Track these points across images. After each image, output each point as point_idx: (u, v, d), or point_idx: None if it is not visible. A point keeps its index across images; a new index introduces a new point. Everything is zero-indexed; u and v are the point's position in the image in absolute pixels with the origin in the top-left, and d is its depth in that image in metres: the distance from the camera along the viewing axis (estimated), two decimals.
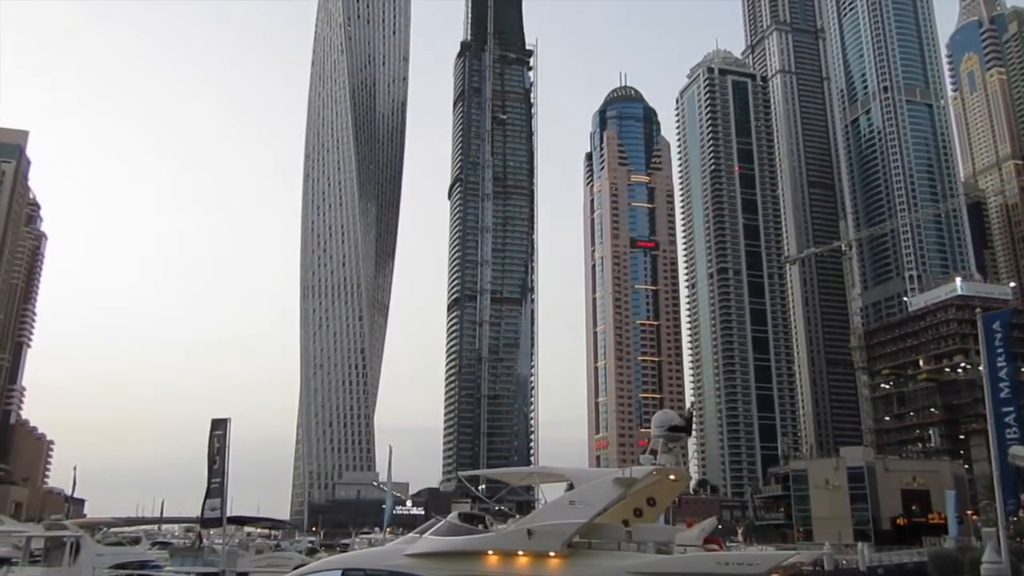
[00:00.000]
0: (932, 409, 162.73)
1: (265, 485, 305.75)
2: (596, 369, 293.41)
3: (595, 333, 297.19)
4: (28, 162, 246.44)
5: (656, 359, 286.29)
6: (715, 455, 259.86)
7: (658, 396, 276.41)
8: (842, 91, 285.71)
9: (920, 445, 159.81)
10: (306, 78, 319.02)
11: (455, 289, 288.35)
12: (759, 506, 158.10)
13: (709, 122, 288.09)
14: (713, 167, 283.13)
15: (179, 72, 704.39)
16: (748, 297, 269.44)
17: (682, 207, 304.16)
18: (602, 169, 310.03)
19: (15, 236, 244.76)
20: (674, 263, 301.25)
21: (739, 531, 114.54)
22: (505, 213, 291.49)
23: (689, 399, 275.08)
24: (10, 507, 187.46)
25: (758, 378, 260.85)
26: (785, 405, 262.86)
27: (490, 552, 18.05)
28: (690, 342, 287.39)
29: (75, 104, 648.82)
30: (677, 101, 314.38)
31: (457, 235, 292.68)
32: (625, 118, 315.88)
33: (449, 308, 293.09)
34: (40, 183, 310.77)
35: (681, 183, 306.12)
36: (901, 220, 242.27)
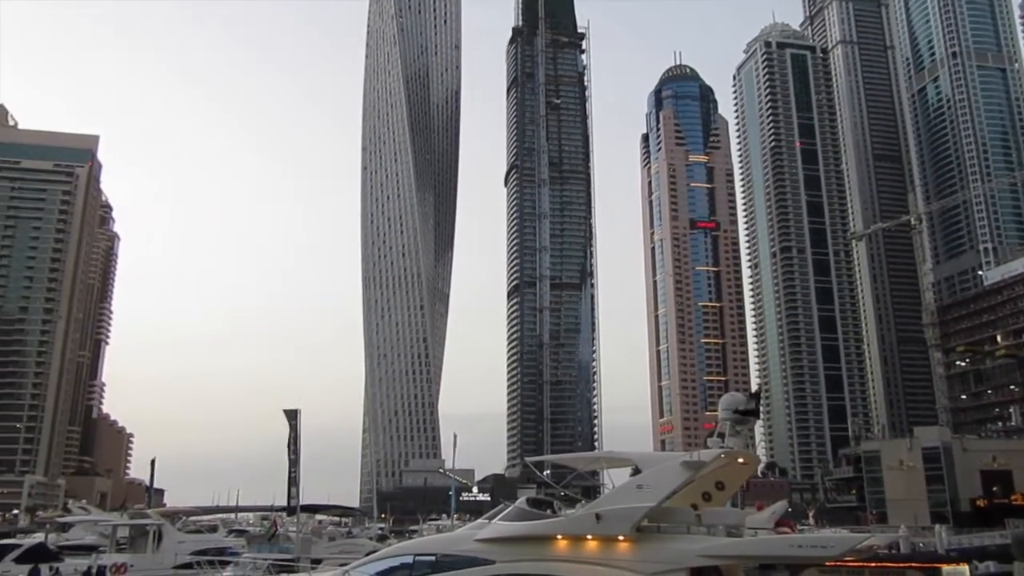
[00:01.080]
0: (1012, 387, 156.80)
1: (334, 473, 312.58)
2: (658, 353, 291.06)
3: (656, 316, 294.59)
4: (99, 165, 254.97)
5: (719, 341, 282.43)
6: (783, 437, 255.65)
7: (722, 379, 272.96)
8: (907, 59, 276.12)
9: (1000, 424, 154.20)
10: (360, 71, 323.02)
11: (514, 276, 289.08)
12: (830, 488, 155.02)
13: (768, 98, 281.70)
14: (773, 144, 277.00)
15: (237, 72, 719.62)
16: (813, 276, 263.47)
17: (742, 186, 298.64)
18: (659, 150, 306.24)
19: (90, 238, 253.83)
20: (735, 243, 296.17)
21: (810, 514, 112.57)
22: (562, 198, 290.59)
23: (755, 381, 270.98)
24: (96, 497, 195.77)
25: (826, 358, 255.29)
26: (855, 385, 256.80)
27: (559, 536, 18.13)
28: (754, 323, 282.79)
29: (139, 106, 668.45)
30: (734, 78, 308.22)
31: (515, 222, 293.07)
32: (681, 97, 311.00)
33: (509, 295, 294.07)
34: (110, 185, 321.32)
35: (741, 161, 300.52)
36: (974, 191, 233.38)
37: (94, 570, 34.52)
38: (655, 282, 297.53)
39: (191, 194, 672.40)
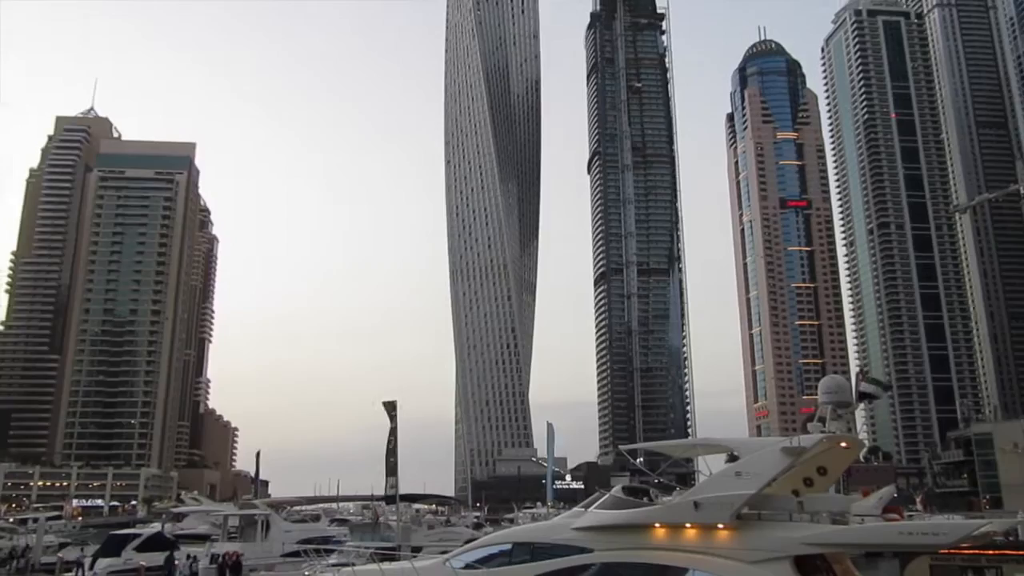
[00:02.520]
0: None
1: (429, 463, 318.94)
2: (751, 336, 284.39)
3: (748, 299, 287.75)
4: (197, 171, 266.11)
5: (815, 323, 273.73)
6: (885, 421, 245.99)
7: (819, 361, 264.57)
8: (1011, 19, 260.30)
9: None
10: (441, 66, 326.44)
11: (600, 263, 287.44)
12: (938, 473, 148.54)
13: (860, 68, 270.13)
14: (867, 116, 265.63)
15: (320, 72, 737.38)
16: (914, 252, 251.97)
17: (835, 162, 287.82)
18: (745, 129, 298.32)
19: (191, 241, 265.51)
20: (829, 221, 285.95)
21: (918, 499, 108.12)
22: (647, 183, 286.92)
23: (854, 363, 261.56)
24: (205, 489, 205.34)
25: (930, 338, 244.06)
26: (962, 365, 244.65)
27: (657, 524, 17.98)
28: (851, 303, 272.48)
29: (226, 108, 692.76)
30: (823, 50, 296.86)
31: (599, 209, 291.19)
32: (767, 73, 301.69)
33: (596, 282, 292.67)
34: (207, 189, 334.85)
35: (832, 137, 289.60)
36: None
37: (218, 559, 36.13)
38: (745, 264, 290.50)
39: (280, 195, 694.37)
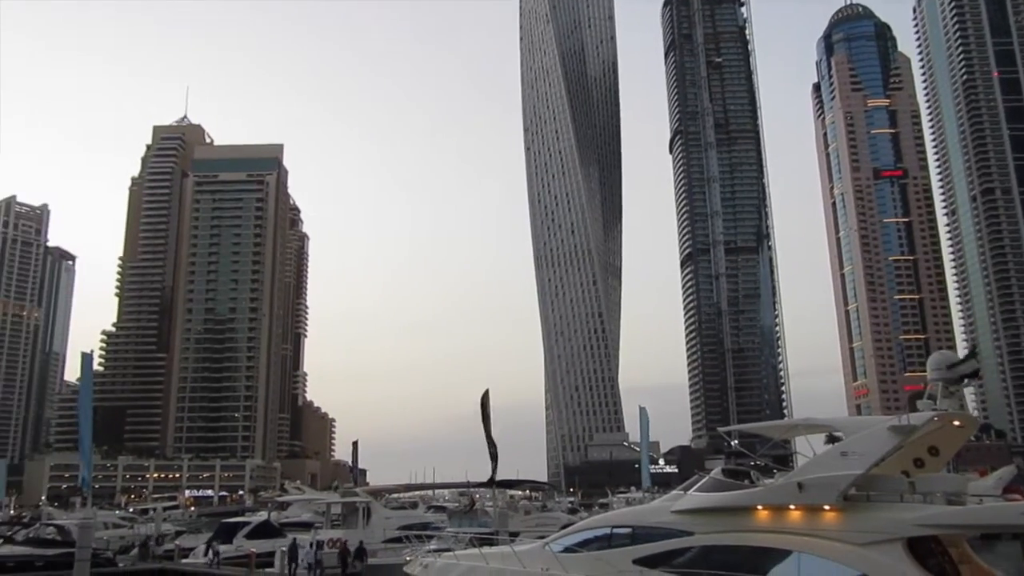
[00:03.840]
0: None
1: (521, 449, 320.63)
2: (847, 313, 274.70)
3: (842, 275, 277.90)
4: (286, 171, 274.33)
5: (915, 297, 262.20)
6: (997, 397, 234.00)
7: (922, 336, 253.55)
8: None
9: None
10: (516, 53, 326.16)
11: (686, 244, 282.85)
12: None
13: (957, 27, 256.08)
14: (966, 77, 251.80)
15: (396, 66, 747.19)
16: (1023, 218, 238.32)
17: (932, 127, 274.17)
18: (833, 98, 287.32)
19: (283, 239, 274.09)
20: (927, 190, 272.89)
21: None
22: (731, 160, 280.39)
23: (960, 337, 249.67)
24: (307, 478, 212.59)
25: None
26: None
27: (759, 507, 17.59)
28: (955, 275, 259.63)
29: (309, 105, 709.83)
30: (915, 10, 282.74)
31: (683, 188, 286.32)
32: (854, 39, 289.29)
33: (682, 264, 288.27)
34: (295, 188, 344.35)
35: (928, 101, 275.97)
36: None
37: (320, 545, 37.32)
38: (838, 239, 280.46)
39: (363, 190, 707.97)
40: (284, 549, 39.36)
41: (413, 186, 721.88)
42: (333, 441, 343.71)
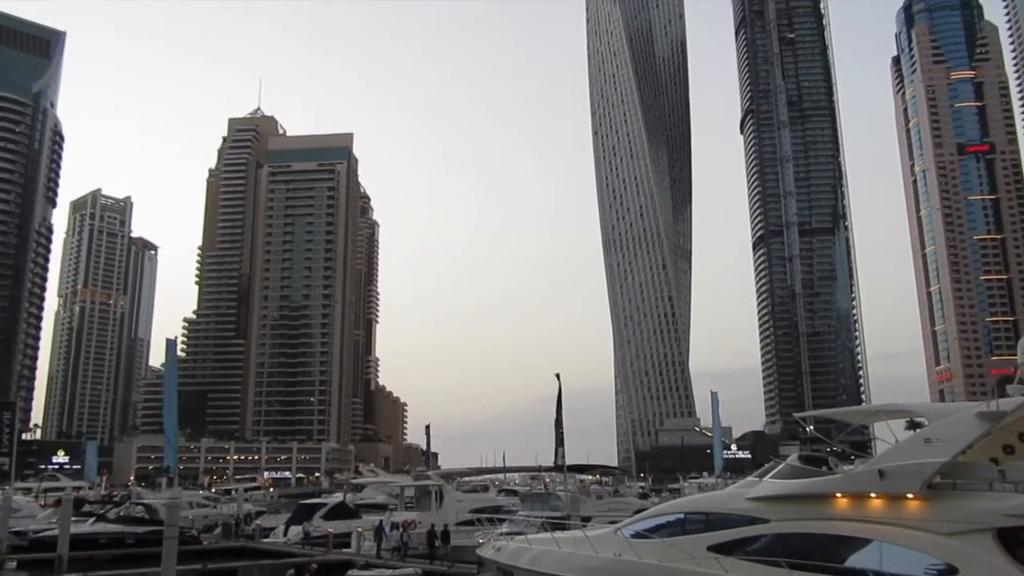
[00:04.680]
0: None
1: (591, 434, 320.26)
2: (929, 295, 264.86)
3: (923, 255, 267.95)
4: (356, 160, 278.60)
5: (1003, 277, 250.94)
6: None
7: (1010, 318, 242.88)
8: None
9: None
10: (583, 36, 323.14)
11: (759, 225, 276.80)
12: None
13: None
14: None
15: (462, 52, 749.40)
16: None
17: (1021, 99, 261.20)
18: (914, 72, 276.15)
19: (354, 227, 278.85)
20: (1016, 165, 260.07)
21: None
22: (805, 139, 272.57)
23: None
24: (380, 461, 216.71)
25: None
26: None
27: (838, 495, 17.18)
28: None
29: (375, 95, 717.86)
30: None
31: (755, 169, 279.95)
32: (936, 9, 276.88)
33: (755, 246, 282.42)
34: (365, 176, 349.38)
35: (1017, 72, 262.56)
36: None
37: (394, 527, 37.95)
38: (919, 217, 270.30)
39: (431, 176, 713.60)
40: (361, 529, 40.28)
41: (480, 172, 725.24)
42: (405, 425, 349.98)
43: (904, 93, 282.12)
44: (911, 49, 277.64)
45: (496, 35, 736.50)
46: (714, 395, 72.88)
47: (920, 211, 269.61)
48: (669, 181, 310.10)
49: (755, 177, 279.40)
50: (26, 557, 39.54)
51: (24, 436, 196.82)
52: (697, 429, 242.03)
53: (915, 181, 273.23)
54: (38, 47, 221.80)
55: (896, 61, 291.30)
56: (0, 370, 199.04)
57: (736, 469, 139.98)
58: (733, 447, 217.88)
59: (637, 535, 19.22)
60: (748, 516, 17.79)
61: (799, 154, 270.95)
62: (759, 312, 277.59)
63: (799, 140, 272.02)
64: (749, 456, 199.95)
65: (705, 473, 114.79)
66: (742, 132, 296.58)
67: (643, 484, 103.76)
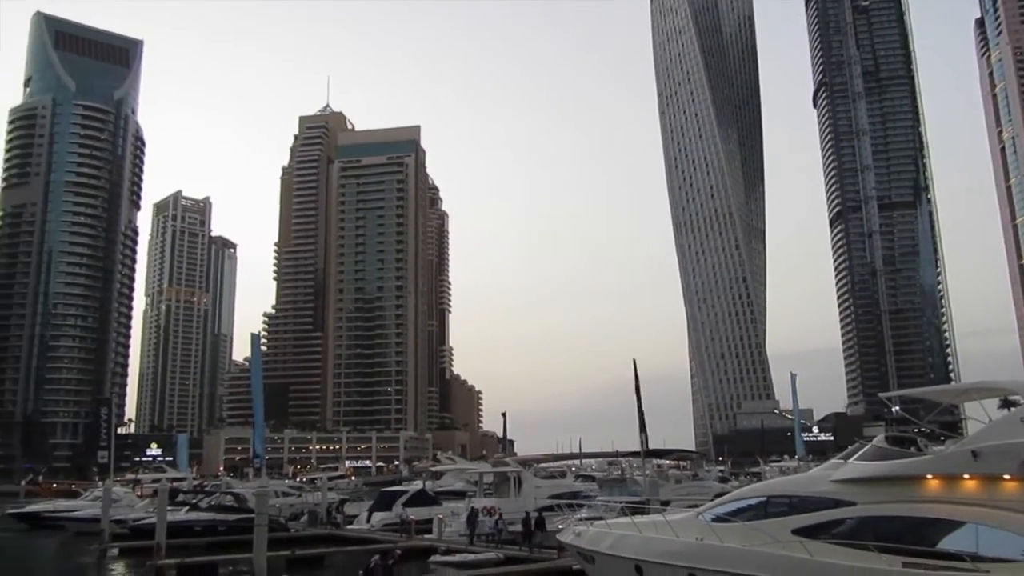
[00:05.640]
0: None
1: (666, 418, 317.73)
2: (1020, 268, 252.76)
3: (1014, 226, 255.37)
4: (423, 152, 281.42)
5: None
6: None
7: None
8: None
9: None
10: (647, 16, 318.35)
11: (835, 201, 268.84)
12: None
13: None
14: None
15: (524, 36, 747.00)
16: None
17: None
18: (999, 34, 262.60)
19: (424, 219, 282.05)
20: None
21: None
22: (882, 110, 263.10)
23: None
24: (457, 449, 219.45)
25: None
26: None
27: (929, 476, 16.67)
28: None
29: (439, 84, 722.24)
30: None
31: (830, 143, 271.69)
32: None
33: (831, 222, 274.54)
34: (433, 168, 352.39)
35: None
36: None
37: (488, 514, 38.30)
38: (1008, 187, 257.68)
39: (497, 163, 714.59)
40: (441, 516, 40.94)
41: (546, 157, 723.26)
42: (480, 412, 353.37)
43: (989, 56, 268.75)
44: (996, 9, 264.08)
45: (556, 19, 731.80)
46: (793, 376, 71.50)
47: (1009, 180, 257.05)
48: (740, 160, 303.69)
49: (830, 152, 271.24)
50: (127, 544, 41.57)
51: (119, 430, 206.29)
52: (776, 412, 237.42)
53: (1003, 149, 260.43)
54: (118, 56, 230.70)
55: (980, 23, 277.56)
56: (95, 368, 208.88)
57: (818, 452, 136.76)
58: (814, 429, 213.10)
59: (718, 519, 19.03)
60: (833, 499, 17.42)
61: (876, 126, 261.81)
62: (838, 290, 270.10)
63: (876, 111, 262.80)
64: (831, 438, 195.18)
65: (786, 456, 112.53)
66: (815, 106, 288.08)
67: (722, 468, 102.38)
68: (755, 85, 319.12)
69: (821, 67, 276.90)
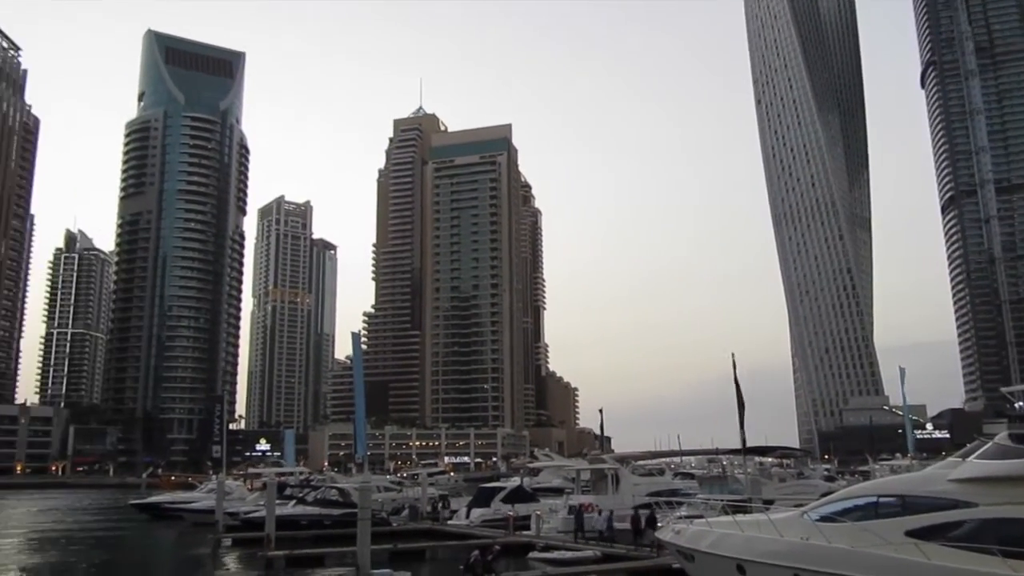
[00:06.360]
0: None
1: (767, 414, 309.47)
2: None
3: None
4: (515, 150, 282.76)
5: None
6: None
7: None
8: None
9: None
10: (739, 2, 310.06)
11: (947, 186, 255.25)
12: None
13: None
14: None
15: (613, 29, 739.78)
16: None
17: None
18: None
19: (517, 216, 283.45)
20: None
21: None
22: (998, 87, 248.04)
23: None
24: (554, 445, 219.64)
25: None
26: None
27: None
28: None
29: (529, 80, 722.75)
30: None
31: (940, 125, 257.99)
32: None
33: (943, 209, 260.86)
34: (525, 165, 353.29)
35: None
36: None
37: (577, 510, 38.11)
38: None
39: (588, 156, 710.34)
40: (539, 513, 40.97)
41: (636, 150, 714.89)
42: (577, 409, 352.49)
43: None
44: None
45: (643, 11, 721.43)
46: (902, 371, 68.37)
47: None
48: (842, 147, 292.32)
49: (941, 134, 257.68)
50: (239, 535, 43.39)
51: (231, 426, 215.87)
52: (886, 408, 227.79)
53: None
54: (222, 68, 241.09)
55: None
56: (207, 366, 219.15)
57: (933, 450, 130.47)
58: (928, 426, 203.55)
59: (825, 518, 18.29)
60: (951, 499, 16.49)
61: (992, 105, 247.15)
62: (952, 280, 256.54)
63: (991, 90, 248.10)
64: (947, 436, 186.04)
65: (897, 455, 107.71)
66: (923, 86, 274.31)
67: (828, 466, 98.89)
68: (857, 67, 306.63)
69: (929, 45, 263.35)
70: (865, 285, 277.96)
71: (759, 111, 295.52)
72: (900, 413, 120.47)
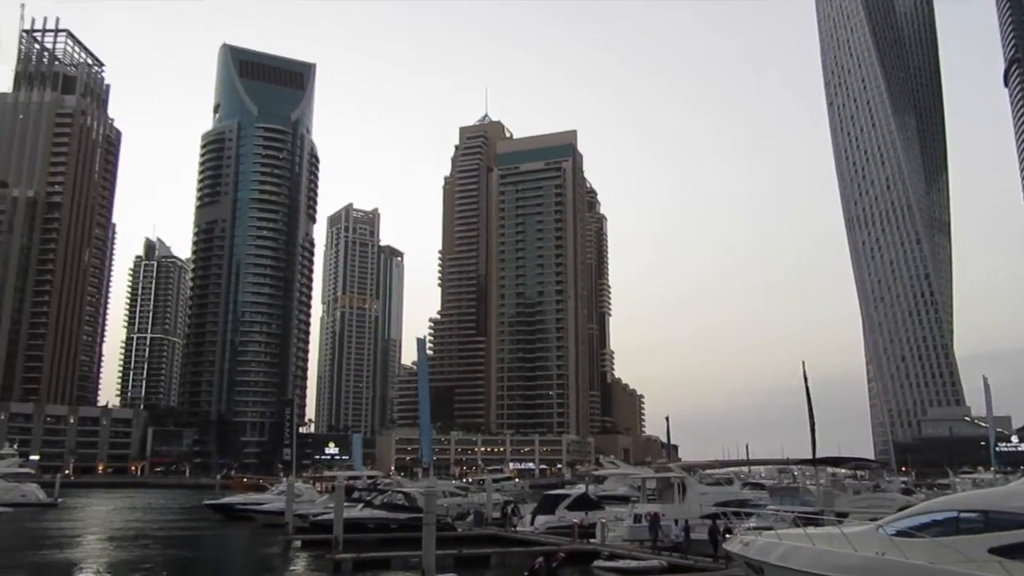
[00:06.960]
0: None
1: (841, 424, 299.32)
2: None
3: None
4: (580, 156, 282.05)
5: None
6: None
7: None
8: None
9: None
10: (811, 3, 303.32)
11: None
12: None
13: None
14: None
15: (680, 32, 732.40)
16: None
17: None
18: None
19: (582, 222, 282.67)
20: None
21: None
22: None
23: None
24: (619, 453, 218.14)
25: None
26: None
27: None
28: None
29: (593, 86, 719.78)
30: None
31: None
32: None
33: None
34: (591, 171, 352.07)
35: None
36: None
37: (641, 517, 37.58)
38: None
39: (653, 160, 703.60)
40: (604, 521, 40.63)
41: (702, 154, 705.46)
42: (643, 416, 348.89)
43: None
44: None
45: (710, 14, 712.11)
46: (985, 380, 65.73)
47: None
48: (919, 148, 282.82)
49: None
50: (308, 537, 44.25)
51: (300, 430, 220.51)
52: (967, 419, 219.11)
53: None
54: (293, 80, 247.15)
55: None
56: (278, 371, 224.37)
57: (1017, 463, 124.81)
58: (1014, 439, 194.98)
59: (902, 533, 17.61)
60: None
61: None
62: None
63: None
64: None
65: (980, 468, 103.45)
66: (1006, 85, 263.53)
67: (905, 479, 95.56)
68: (935, 67, 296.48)
69: (1013, 42, 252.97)
70: (944, 291, 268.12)
71: (831, 113, 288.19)
72: (982, 424, 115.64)
